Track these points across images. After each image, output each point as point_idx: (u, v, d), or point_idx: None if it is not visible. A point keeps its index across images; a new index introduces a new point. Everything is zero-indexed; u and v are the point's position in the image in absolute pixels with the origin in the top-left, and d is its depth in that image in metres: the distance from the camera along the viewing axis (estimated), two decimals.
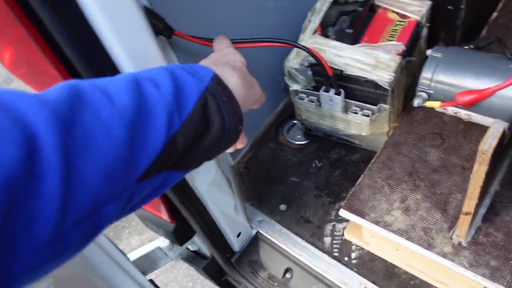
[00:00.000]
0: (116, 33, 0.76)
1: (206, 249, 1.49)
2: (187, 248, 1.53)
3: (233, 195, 1.31)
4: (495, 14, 1.51)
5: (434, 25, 1.41)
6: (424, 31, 1.39)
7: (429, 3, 1.35)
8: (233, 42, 1.19)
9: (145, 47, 0.84)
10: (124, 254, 1.27)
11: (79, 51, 0.75)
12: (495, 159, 0.98)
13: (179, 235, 1.30)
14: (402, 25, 1.32)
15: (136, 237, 2.83)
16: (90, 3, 0.70)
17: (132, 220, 2.88)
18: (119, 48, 0.78)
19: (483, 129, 1.26)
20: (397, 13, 1.35)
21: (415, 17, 1.33)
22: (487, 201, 1.16)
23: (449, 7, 1.37)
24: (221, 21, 1.31)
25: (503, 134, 0.91)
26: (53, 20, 0.69)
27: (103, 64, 0.79)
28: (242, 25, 1.39)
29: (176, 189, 1.09)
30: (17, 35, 0.78)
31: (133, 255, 1.37)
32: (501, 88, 0.89)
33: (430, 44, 1.44)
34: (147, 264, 1.43)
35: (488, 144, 0.84)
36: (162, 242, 1.40)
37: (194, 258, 1.52)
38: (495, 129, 0.85)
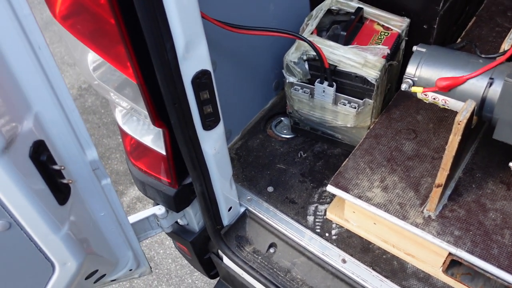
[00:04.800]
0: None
1: (195, 224, 1.59)
2: (177, 222, 1.62)
3: (231, 169, 1.44)
4: (458, 40, 1.78)
5: (410, 40, 1.65)
6: (403, 44, 1.62)
7: (408, 20, 1.59)
8: (244, 29, 1.36)
9: (192, 15, 1.00)
10: (126, 216, 1.35)
11: (144, 2, 0.89)
12: (464, 141, 1.18)
13: (179, 200, 1.40)
14: (386, 35, 1.54)
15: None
16: None
17: None
18: (175, 9, 0.94)
19: (449, 127, 1.48)
20: (382, 26, 1.57)
21: (396, 30, 1.56)
22: (452, 184, 1.36)
23: (424, 26, 1.62)
24: (235, 11, 1.48)
25: (473, 114, 1.12)
26: None
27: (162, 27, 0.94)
28: (251, 19, 1.56)
29: (189, 149, 1.21)
30: None
31: (131, 219, 1.44)
32: (472, 77, 1.11)
33: (406, 56, 1.68)
34: (140, 230, 1.50)
35: (463, 116, 1.04)
36: (158, 210, 1.48)
37: (183, 232, 1.61)
38: (468, 104, 1.06)
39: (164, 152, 1.29)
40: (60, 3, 1.03)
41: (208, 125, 1.23)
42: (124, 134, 1.38)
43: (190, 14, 1.00)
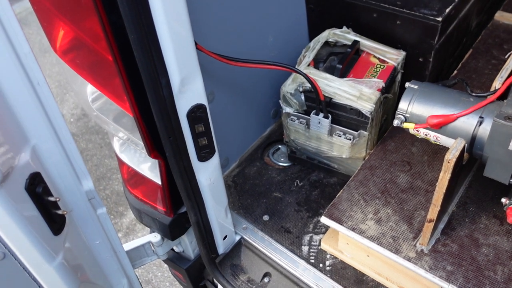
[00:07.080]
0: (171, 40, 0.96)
1: (191, 251, 1.59)
2: (172, 249, 1.62)
3: (226, 198, 1.45)
4: (455, 72, 1.81)
5: (406, 73, 1.68)
6: (399, 76, 1.64)
7: (404, 53, 1.62)
8: (240, 61, 1.39)
9: (188, 52, 1.03)
10: (121, 244, 1.36)
11: (140, 42, 0.92)
12: (455, 178, 1.19)
13: (174, 228, 1.41)
14: (382, 68, 1.57)
15: None
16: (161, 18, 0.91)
17: None
18: (170, 47, 0.97)
19: (443, 160, 1.49)
20: (378, 58, 1.60)
21: (392, 63, 1.58)
22: (445, 218, 1.37)
23: (420, 59, 1.65)
24: (234, 43, 1.51)
25: (463, 152, 1.13)
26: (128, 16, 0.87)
27: (157, 64, 0.96)
28: (250, 51, 1.60)
29: (184, 180, 1.23)
30: (88, 24, 0.94)
31: (126, 246, 1.45)
32: (463, 115, 1.12)
33: (402, 88, 1.70)
34: (136, 257, 1.51)
35: (452, 154, 1.06)
36: (154, 237, 1.49)
37: (178, 259, 1.62)
38: (458, 143, 1.07)
39: (160, 182, 1.31)
40: (61, 39, 1.06)
41: (203, 156, 1.25)
42: (121, 162, 1.40)
43: (186, 51, 1.03)
